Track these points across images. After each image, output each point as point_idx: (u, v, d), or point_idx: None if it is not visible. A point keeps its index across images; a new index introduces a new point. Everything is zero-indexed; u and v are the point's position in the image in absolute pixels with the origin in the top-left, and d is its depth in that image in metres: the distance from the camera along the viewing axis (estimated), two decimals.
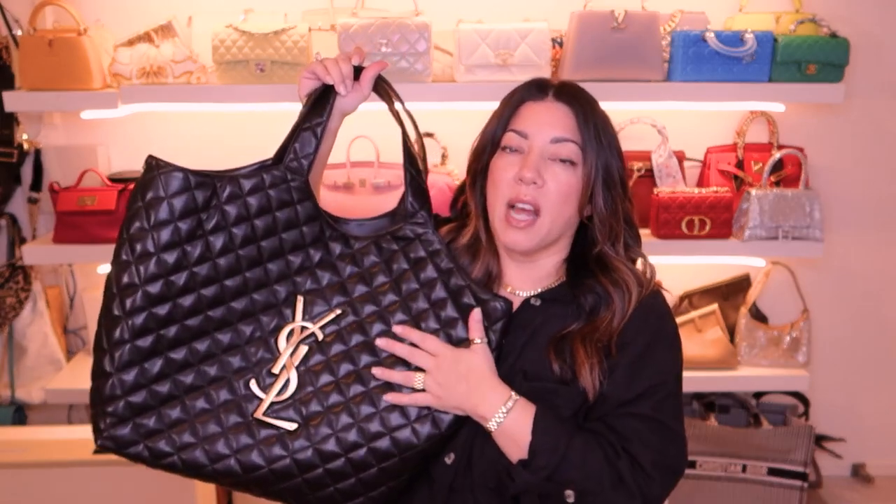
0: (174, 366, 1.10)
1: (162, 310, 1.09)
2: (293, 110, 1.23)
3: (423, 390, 1.12)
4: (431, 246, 1.18)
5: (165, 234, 1.08)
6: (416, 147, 1.20)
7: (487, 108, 1.26)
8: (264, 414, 1.10)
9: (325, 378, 1.12)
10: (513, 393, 1.11)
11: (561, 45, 2.17)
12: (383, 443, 1.10)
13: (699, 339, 2.32)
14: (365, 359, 1.13)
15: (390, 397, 1.11)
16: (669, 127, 2.27)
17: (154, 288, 1.08)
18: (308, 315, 1.14)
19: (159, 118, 2.35)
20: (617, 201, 1.19)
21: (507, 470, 1.11)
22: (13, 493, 2.02)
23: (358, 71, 1.21)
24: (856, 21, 2.34)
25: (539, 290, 1.22)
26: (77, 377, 2.29)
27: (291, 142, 1.18)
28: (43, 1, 2.10)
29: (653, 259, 1.25)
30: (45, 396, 2.30)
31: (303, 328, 1.14)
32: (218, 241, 1.11)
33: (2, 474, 2.01)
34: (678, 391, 1.18)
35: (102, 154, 2.37)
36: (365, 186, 2.16)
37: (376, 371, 1.12)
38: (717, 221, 2.20)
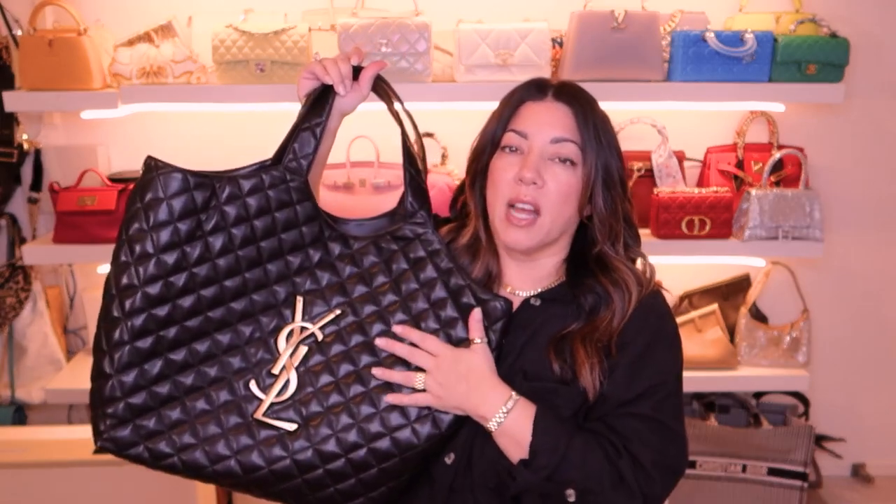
0: (174, 367, 1.10)
1: (161, 311, 1.09)
2: (293, 110, 1.22)
3: (424, 390, 1.11)
4: (431, 246, 1.18)
5: (165, 235, 1.08)
6: (415, 147, 1.20)
7: (487, 108, 1.26)
8: (264, 415, 1.10)
9: (325, 378, 1.12)
10: (513, 393, 1.11)
11: (561, 45, 2.17)
12: (383, 443, 1.10)
13: (699, 339, 2.32)
14: (365, 359, 1.13)
15: (391, 398, 1.11)
16: (669, 127, 2.27)
17: (153, 289, 1.08)
18: (308, 315, 1.14)
19: (159, 118, 2.35)
20: (617, 201, 1.19)
21: (507, 470, 1.11)
22: (13, 493, 2.02)
23: (357, 71, 1.20)
24: (856, 21, 2.34)
25: (539, 290, 1.22)
26: (77, 377, 2.29)
27: (290, 142, 1.18)
28: (43, 1, 2.10)
29: (653, 259, 1.25)
30: (45, 396, 2.30)
31: (302, 329, 1.14)
32: (217, 242, 1.11)
33: (2, 474, 2.01)
34: (678, 391, 1.18)
35: (102, 154, 2.37)
36: (365, 186, 2.16)
37: (376, 371, 1.12)
38: (717, 221, 2.19)
